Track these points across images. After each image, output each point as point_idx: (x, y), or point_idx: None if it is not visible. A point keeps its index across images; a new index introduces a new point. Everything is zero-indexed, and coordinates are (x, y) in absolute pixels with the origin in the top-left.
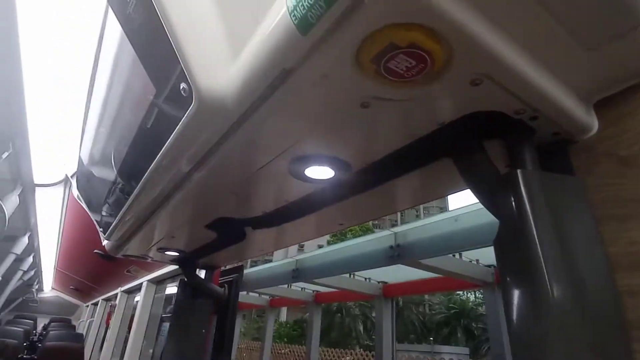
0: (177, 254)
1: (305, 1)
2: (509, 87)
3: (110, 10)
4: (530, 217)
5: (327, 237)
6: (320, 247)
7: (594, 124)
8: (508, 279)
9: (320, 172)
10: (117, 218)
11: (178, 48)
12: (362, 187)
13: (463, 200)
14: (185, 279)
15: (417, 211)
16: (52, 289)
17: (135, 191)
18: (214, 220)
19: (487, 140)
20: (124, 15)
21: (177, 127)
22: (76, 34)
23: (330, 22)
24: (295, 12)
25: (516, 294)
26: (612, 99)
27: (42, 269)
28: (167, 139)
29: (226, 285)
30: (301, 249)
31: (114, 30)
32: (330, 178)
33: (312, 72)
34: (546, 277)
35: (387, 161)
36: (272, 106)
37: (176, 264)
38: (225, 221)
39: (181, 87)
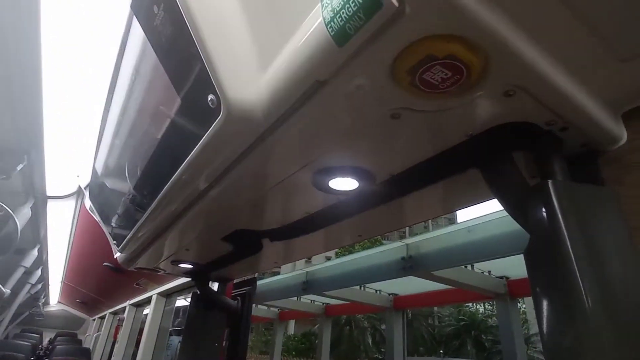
0: (190, 266)
1: (343, 13)
2: (541, 98)
3: (134, 20)
4: (563, 228)
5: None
6: (328, 259)
7: (623, 134)
8: (540, 290)
9: (344, 184)
10: (132, 231)
11: (207, 59)
12: (384, 198)
13: (471, 210)
14: (198, 292)
15: (425, 222)
16: (58, 302)
17: (153, 205)
18: (231, 232)
19: (517, 151)
20: (151, 27)
21: (203, 138)
22: (97, 44)
23: (369, 34)
24: (332, 23)
25: (550, 306)
26: (638, 110)
27: (50, 282)
28: (190, 152)
29: (239, 298)
30: (309, 261)
31: (137, 40)
32: (353, 189)
33: (346, 84)
34: (581, 289)
35: (412, 173)
36: (302, 118)
37: (189, 277)
38: (243, 233)
39: (209, 99)
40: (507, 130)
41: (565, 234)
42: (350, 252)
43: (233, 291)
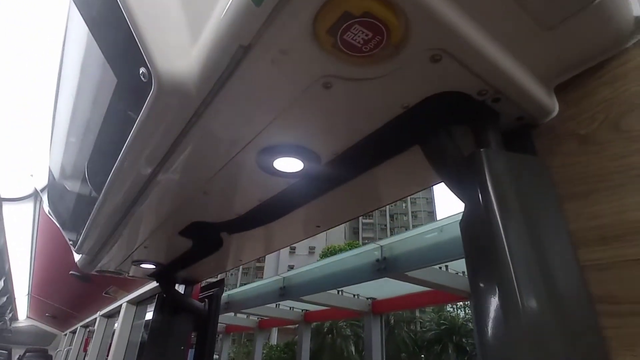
0: (153, 266)
1: None
2: (468, 64)
3: (73, 7)
4: (493, 196)
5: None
6: (311, 249)
7: (555, 106)
8: (473, 259)
9: (289, 165)
10: (85, 227)
11: (136, 31)
12: (334, 181)
13: (449, 203)
14: (164, 295)
15: (405, 216)
16: (28, 317)
17: (101, 196)
18: (187, 225)
19: (454, 126)
20: (85, 4)
21: (138, 117)
22: (41, 38)
23: None
24: None
25: (481, 274)
26: (571, 82)
27: (15, 296)
28: (129, 133)
29: (206, 300)
30: (291, 269)
31: (77, 25)
32: (299, 171)
33: (270, 48)
34: (508, 256)
35: (356, 151)
36: (234, 87)
37: (154, 279)
38: (200, 226)
39: (140, 72)
40: (443, 104)
41: (495, 202)
42: None
43: (200, 294)
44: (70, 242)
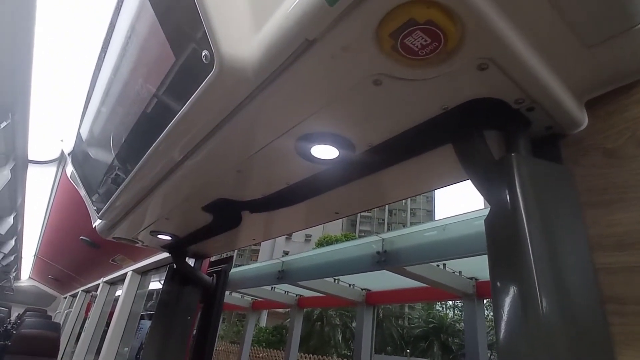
0: (169, 238)
1: None
2: (511, 74)
3: None
4: (520, 199)
5: (314, 245)
6: (308, 237)
7: (585, 119)
8: (496, 256)
9: (325, 152)
10: (113, 196)
11: (204, 16)
12: (364, 171)
13: (449, 203)
14: (175, 266)
15: (404, 213)
16: (30, 277)
17: (139, 164)
18: (213, 201)
19: (487, 130)
20: None
21: (194, 94)
22: (91, 6)
23: None
24: None
25: (503, 271)
26: (603, 97)
27: (22, 256)
28: (180, 109)
29: (215, 275)
30: (286, 255)
31: (137, 3)
32: (334, 158)
33: (333, 44)
34: (531, 257)
35: (390, 144)
36: (291, 77)
37: (167, 250)
38: (224, 203)
39: (203, 54)
40: (479, 107)
41: (522, 205)
42: None
43: (209, 268)
44: (94, 209)
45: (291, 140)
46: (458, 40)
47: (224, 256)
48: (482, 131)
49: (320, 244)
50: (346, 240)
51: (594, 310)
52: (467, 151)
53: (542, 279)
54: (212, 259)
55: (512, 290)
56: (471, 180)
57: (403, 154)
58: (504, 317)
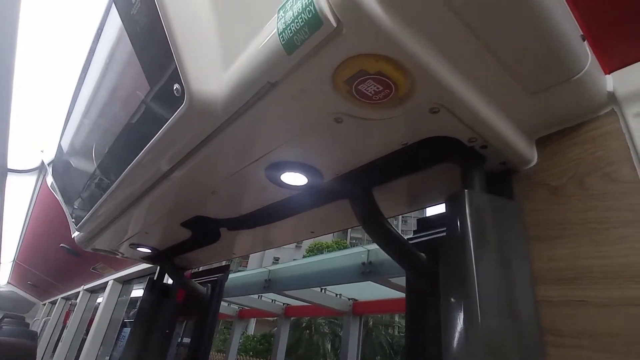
0: (149, 251)
1: (292, 26)
2: (461, 117)
3: (113, 7)
4: (470, 231)
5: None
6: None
7: (534, 157)
8: (446, 275)
9: (294, 179)
10: (92, 209)
11: (176, 51)
12: (332, 196)
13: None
14: (155, 278)
15: (395, 220)
16: (8, 283)
17: (114, 184)
18: (191, 218)
19: (445, 163)
20: (128, 16)
21: (165, 125)
22: (75, 23)
23: (311, 46)
24: (283, 34)
25: (451, 290)
26: (550, 137)
27: (0, 261)
28: (153, 136)
29: (209, 285)
30: (276, 262)
31: (113, 26)
32: (303, 185)
33: (293, 87)
34: (475, 280)
35: (356, 174)
36: (255, 114)
37: (148, 262)
38: (202, 220)
39: (174, 88)
40: (437, 144)
41: (471, 235)
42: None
43: (203, 278)
44: (72, 221)
45: (261, 168)
46: (408, 88)
47: (220, 265)
48: (441, 165)
49: (312, 250)
50: (337, 247)
51: (533, 340)
52: (425, 182)
53: (485, 301)
54: (201, 268)
55: (459, 308)
56: (429, 206)
57: (369, 182)
58: (449, 330)
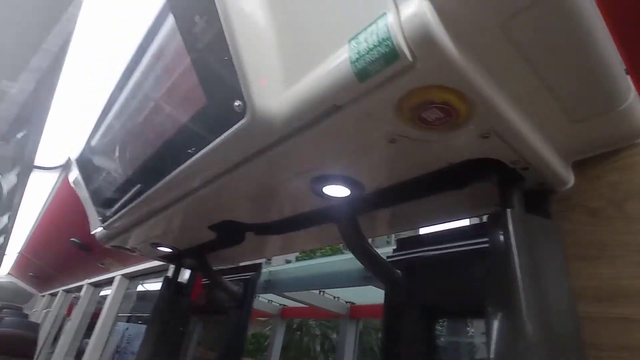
0: (169, 250)
1: (367, 57)
2: (509, 142)
3: (165, 19)
4: (514, 249)
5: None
6: (288, 262)
7: (570, 179)
8: (492, 288)
9: (336, 190)
10: (123, 210)
11: (240, 70)
12: (370, 207)
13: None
14: (170, 276)
15: (387, 237)
16: (8, 273)
17: (153, 188)
18: (219, 222)
19: (487, 182)
20: (189, 32)
21: (221, 136)
22: (124, 29)
23: (385, 77)
24: (357, 62)
25: (495, 302)
26: (588, 160)
27: (6, 252)
28: (204, 146)
29: (242, 283)
30: (269, 261)
31: (167, 35)
32: (344, 197)
33: (358, 111)
34: (522, 302)
35: (399, 187)
36: (314, 133)
37: (165, 261)
38: (230, 224)
39: (236, 104)
40: (480, 164)
41: (515, 253)
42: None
43: (234, 276)
44: (100, 219)
45: (305, 179)
46: (467, 116)
47: (252, 263)
48: (482, 183)
49: (304, 251)
50: (332, 252)
51: (576, 353)
52: (467, 200)
53: (531, 318)
54: (232, 266)
55: (505, 323)
56: (469, 225)
57: (409, 196)
58: (497, 342)
